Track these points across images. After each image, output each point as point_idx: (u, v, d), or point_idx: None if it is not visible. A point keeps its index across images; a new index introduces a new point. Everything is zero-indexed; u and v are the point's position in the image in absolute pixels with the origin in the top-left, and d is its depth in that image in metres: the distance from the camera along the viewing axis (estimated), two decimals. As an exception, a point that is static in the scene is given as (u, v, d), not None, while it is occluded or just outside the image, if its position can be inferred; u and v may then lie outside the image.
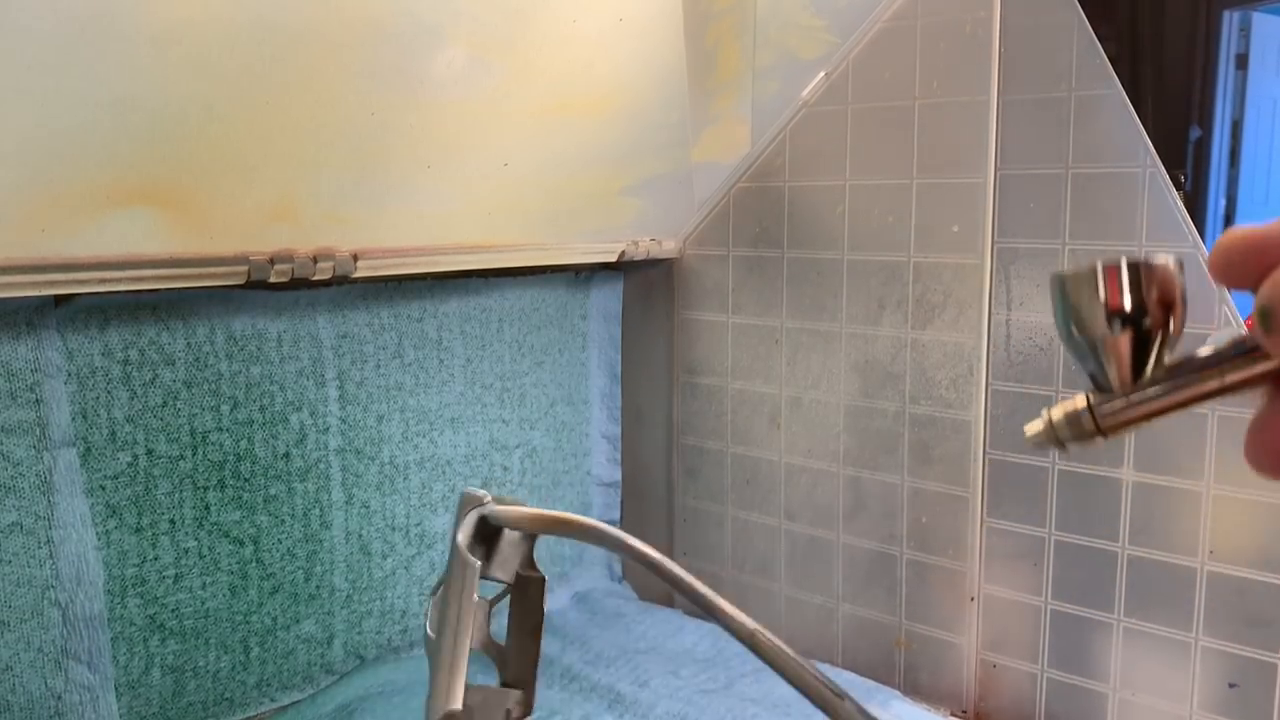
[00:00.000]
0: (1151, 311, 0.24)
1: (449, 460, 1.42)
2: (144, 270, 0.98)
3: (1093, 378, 0.26)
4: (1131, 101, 1.11)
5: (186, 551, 1.17)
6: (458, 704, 0.37)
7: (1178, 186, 1.16)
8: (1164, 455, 1.13)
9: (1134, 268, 0.24)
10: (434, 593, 0.41)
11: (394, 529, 1.36)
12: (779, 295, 1.43)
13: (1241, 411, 1.02)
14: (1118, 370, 0.25)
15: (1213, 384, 0.24)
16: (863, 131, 1.32)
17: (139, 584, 1.13)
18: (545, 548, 1.47)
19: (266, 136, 0.99)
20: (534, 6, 1.11)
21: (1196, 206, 2.69)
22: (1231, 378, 0.24)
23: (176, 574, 1.16)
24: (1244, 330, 0.24)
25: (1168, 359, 0.25)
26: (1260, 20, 2.81)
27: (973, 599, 1.28)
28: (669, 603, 1.59)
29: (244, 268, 1.05)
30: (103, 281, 0.96)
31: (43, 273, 0.92)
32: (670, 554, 1.64)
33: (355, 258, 1.14)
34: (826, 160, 1.35)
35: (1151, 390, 0.25)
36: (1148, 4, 2.66)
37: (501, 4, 1.08)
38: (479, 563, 0.40)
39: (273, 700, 1.26)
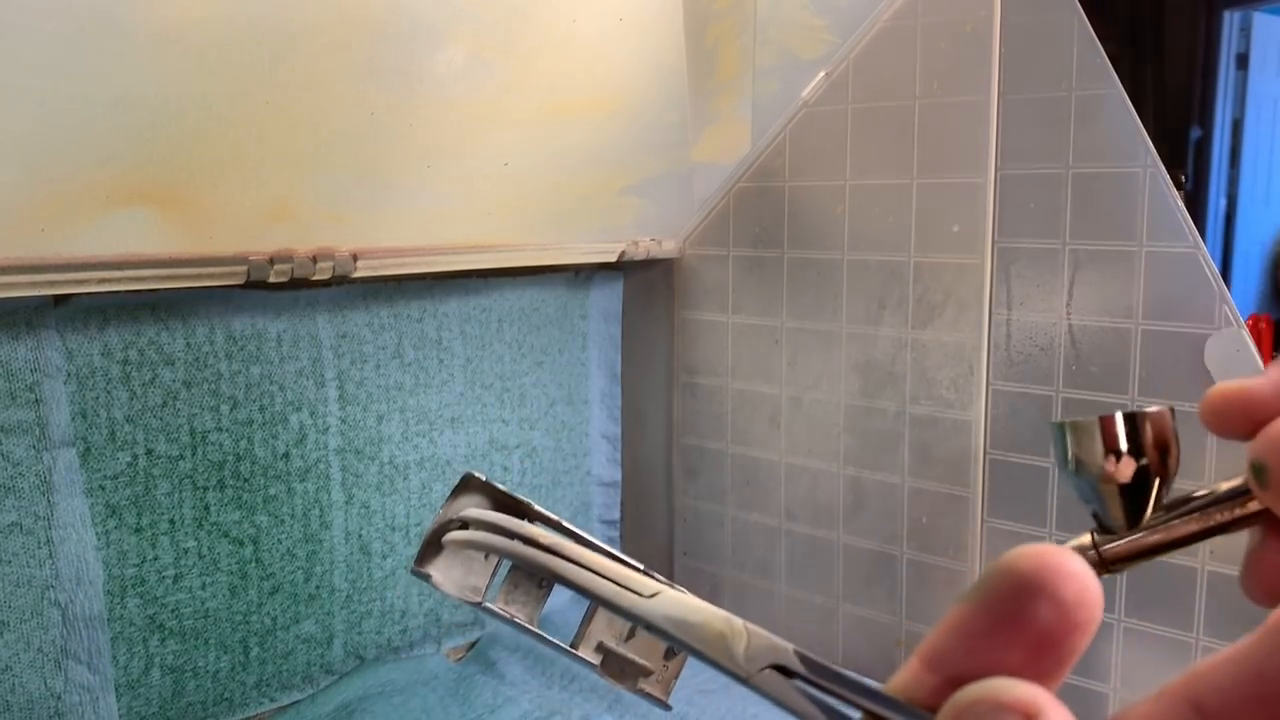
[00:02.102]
0: (1148, 455, 0.26)
1: (449, 460, 1.42)
2: (144, 270, 0.98)
3: (1096, 517, 0.27)
4: (1132, 101, 1.11)
5: (186, 551, 1.16)
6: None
7: (1178, 186, 1.16)
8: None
9: (1130, 418, 0.26)
10: None
11: (394, 529, 1.36)
12: (779, 295, 1.43)
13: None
14: (1119, 511, 0.27)
15: (1209, 524, 0.26)
16: (863, 131, 1.32)
17: (139, 584, 1.13)
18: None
19: (266, 136, 0.99)
20: (534, 6, 1.11)
21: (1197, 206, 2.68)
22: (1225, 519, 0.26)
23: (176, 574, 1.16)
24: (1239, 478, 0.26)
25: (1165, 499, 0.27)
26: (1260, 20, 2.81)
27: (973, 599, 1.28)
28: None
29: (243, 268, 1.05)
30: (102, 281, 0.96)
31: (42, 273, 0.92)
32: (670, 554, 1.64)
33: (355, 257, 1.14)
34: (826, 160, 1.35)
35: (1151, 529, 0.27)
36: (1148, 4, 2.66)
37: (501, 4, 1.08)
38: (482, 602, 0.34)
39: (272, 700, 1.26)
